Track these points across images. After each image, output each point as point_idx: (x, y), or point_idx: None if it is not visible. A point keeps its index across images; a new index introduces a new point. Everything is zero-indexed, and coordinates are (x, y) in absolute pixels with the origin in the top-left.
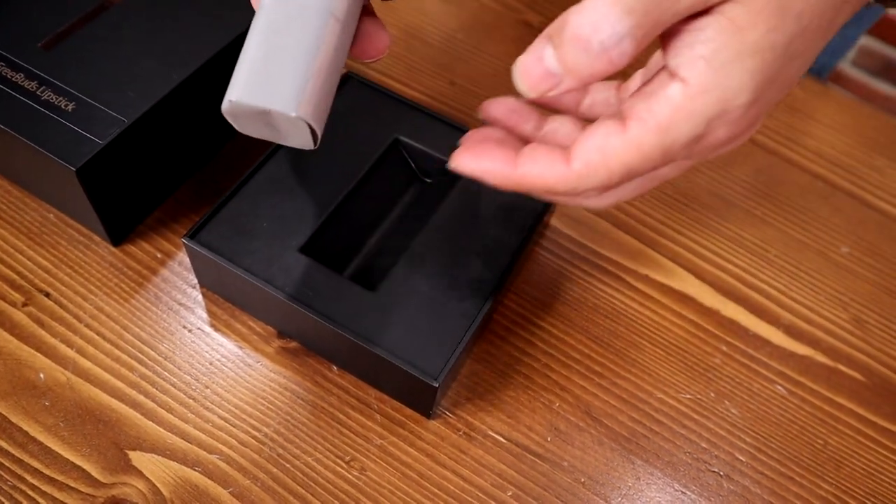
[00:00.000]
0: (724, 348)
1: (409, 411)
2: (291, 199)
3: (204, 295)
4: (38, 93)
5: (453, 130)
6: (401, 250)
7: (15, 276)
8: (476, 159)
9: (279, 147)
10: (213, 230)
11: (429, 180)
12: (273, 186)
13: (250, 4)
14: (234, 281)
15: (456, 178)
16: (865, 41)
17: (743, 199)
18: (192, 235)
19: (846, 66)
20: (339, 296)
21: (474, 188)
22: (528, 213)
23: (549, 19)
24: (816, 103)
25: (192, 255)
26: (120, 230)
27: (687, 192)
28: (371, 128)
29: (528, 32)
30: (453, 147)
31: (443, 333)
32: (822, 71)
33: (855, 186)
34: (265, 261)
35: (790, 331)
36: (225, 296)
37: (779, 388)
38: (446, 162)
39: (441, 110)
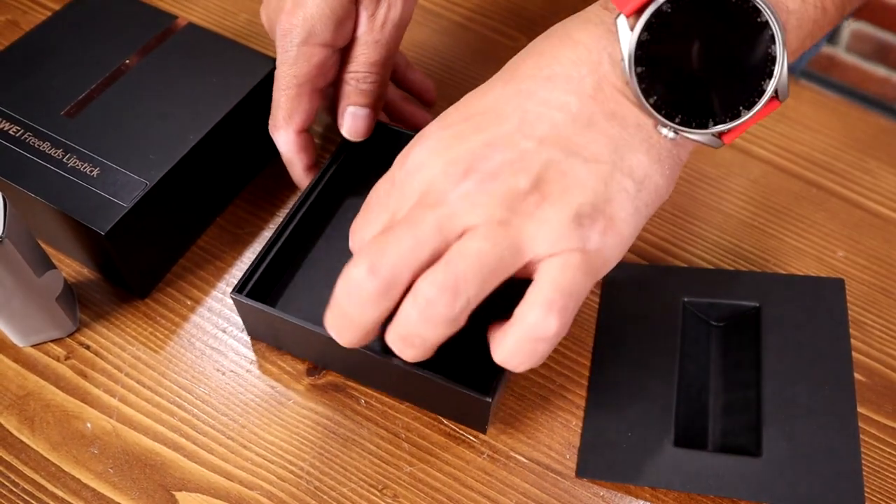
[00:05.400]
0: None
1: (435, 438)
2: None
3: (235, 338)
4: (64, 160)
5: None
6: None
7: None
8: None
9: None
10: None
11: None
12: None
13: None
14: (280, 324)
15: None
16: (857, 26)
17: (740, 210)
18: (239, 290)
19: (840, 52)
20: None
21: None
22: None
23: None
24: (805, 109)
25: (240, 307)
26: (146, 284)
27: (686, 207)
28: None
29: None
30: None
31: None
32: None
33: (848, 191)
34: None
35: None
36: (270, 335)
37: None
38: None
39: None
